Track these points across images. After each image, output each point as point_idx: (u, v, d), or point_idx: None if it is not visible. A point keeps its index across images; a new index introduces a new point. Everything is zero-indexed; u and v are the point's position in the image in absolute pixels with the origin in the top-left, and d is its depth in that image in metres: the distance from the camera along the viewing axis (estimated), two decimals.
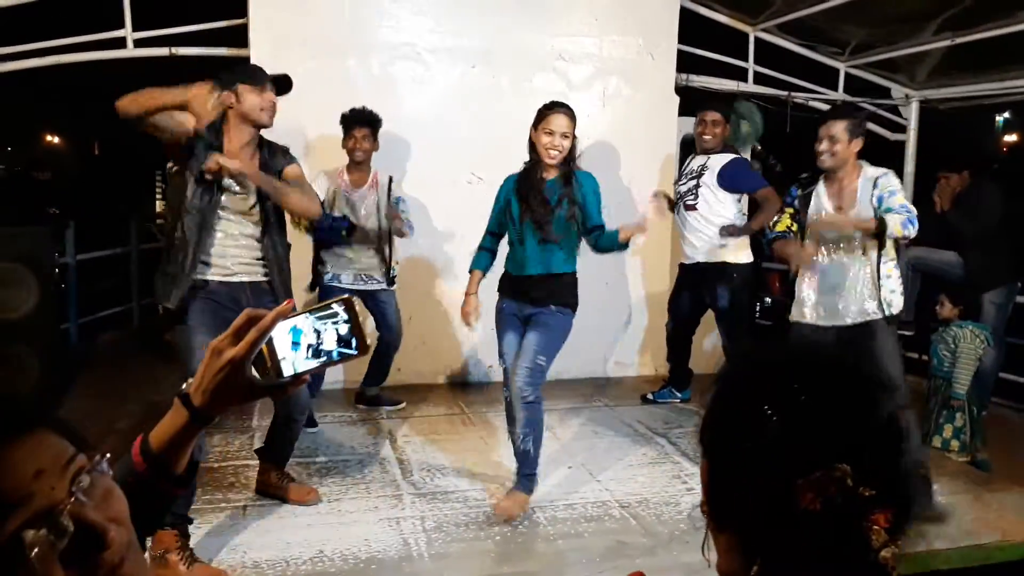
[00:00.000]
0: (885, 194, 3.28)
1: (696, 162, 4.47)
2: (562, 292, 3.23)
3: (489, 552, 2.89)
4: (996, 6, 4.57)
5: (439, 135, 4.87)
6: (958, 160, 4.96)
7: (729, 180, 4.38)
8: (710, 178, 4.38)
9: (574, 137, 3.17)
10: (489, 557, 2.86)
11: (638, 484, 3.54)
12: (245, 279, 2.92)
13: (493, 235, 3.46)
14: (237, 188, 2.85)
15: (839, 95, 6.11)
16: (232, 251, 2.88)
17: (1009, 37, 4.74)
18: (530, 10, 5.01)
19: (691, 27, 5.51)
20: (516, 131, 5.11)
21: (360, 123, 4.05)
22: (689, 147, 4.65)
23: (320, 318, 0.90)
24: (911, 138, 6.20)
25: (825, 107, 6.17)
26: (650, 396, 4.83)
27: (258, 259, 2.95)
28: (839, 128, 3.29)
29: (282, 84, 2.91)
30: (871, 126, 6.13)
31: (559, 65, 5.08)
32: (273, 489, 3.21)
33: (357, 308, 0.90)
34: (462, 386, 5.10)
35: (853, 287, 3.38)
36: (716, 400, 0.82)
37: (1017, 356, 5.25)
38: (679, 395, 4.80)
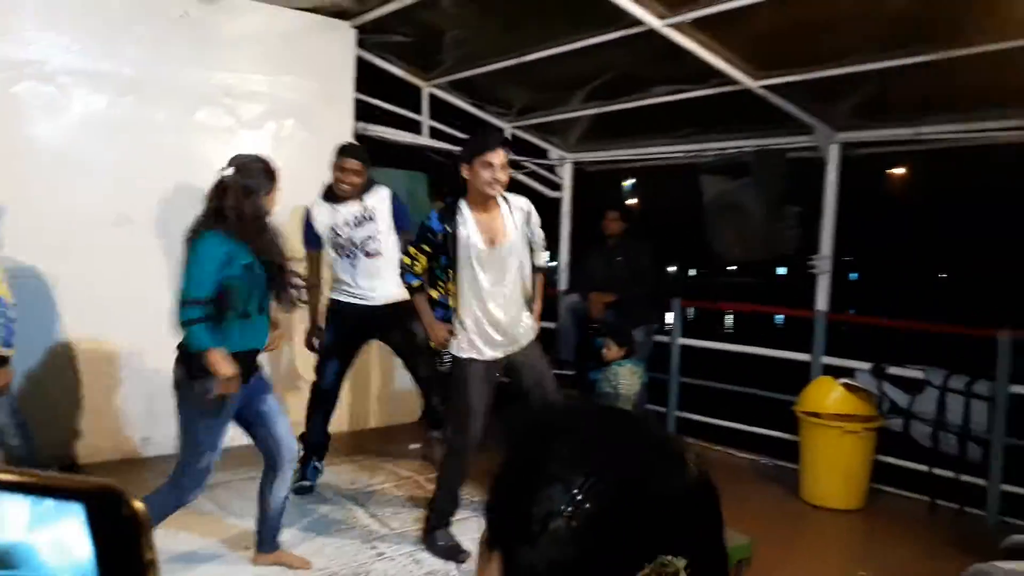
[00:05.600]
0: (536, 229, 3.46)
1: (351, 209, 4.06)
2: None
3: None
4: (632, 82, 5.21)
5: (78, 169, 4.17)
6: (620, 209, 5.69)
7: (398, 218, 4.14)
8: (383, 221, 4.09)
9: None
10: None
11: (325, 558, 3.24)
12: None
13: (209, 303, 2.71)
14: None
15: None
16: None
17: (642, 110, 5.44)
18: (189, 42, 4.54)
19: (370, 78, 5.49)
20: (176, 169, 4.59)
21: None
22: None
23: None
24: (566, 196, 6.83)
25: None
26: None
27: None
28: (503, 157, 3.25)
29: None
30: (533, 184, 6.65)
31: (227, 102, 4.69)
32: None
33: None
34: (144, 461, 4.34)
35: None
36: (507, 473, 0.64)
37: (659, 390, 5.96)
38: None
